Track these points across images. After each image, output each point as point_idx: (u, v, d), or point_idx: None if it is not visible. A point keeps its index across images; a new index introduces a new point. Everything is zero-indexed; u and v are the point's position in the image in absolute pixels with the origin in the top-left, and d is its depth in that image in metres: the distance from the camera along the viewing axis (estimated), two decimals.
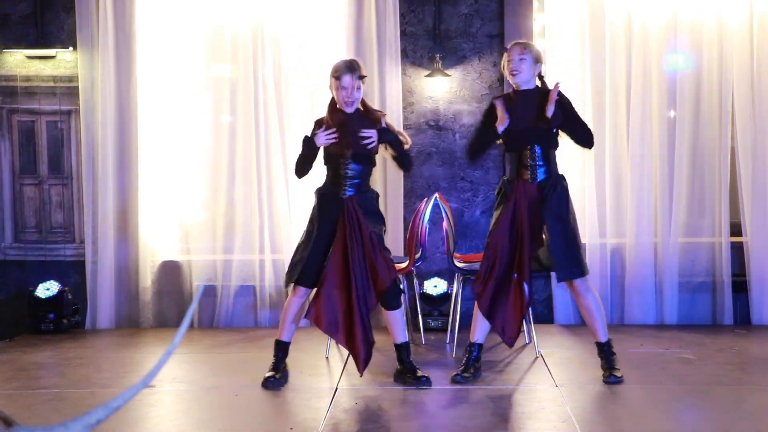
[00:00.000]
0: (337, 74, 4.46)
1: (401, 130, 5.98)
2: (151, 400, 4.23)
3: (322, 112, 4.60)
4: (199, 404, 4.23)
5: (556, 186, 4.48)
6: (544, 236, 4.51)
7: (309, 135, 4.53)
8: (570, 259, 4.44)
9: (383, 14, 6.08)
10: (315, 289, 4.47)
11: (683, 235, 6.11)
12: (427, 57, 6.21)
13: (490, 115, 4.60)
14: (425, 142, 6.30)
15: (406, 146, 4.59)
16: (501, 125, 4.46)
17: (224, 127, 6.25)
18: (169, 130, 6.28)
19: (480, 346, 4.63)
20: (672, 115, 6.13)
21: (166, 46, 6.23)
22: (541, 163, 4.49)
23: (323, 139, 4.45)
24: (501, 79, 6.23)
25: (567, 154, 5.71)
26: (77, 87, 6.23)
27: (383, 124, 4.51)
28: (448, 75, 6.17)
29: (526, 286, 4.45)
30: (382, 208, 4.76)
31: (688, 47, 6.09)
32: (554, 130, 4.51)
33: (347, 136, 4.45)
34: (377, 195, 4.62)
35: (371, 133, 4.43)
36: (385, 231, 4.57)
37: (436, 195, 5.41)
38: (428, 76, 6.18)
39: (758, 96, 6.04)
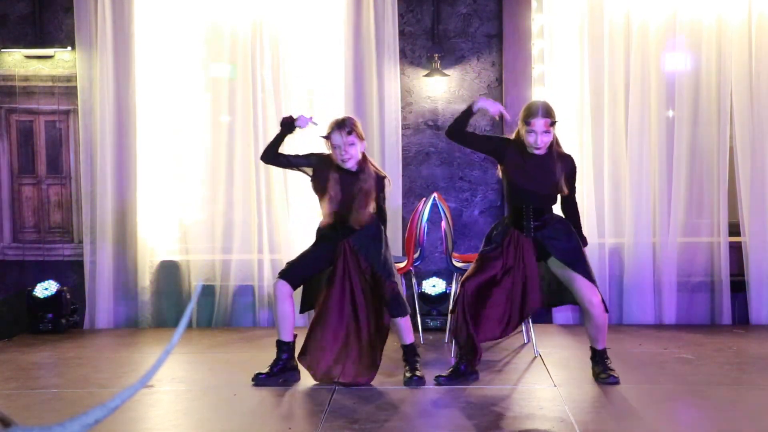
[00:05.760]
0: (327, 133, 4.47)
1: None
2: (150, 400, 4.23)
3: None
4: (198, 404, 4.23)
5: (554, 224, 4.48)
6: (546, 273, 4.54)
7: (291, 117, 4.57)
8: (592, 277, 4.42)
9: (382, 14, 6.08)
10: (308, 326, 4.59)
11: (682, 235, 6.11)
12: (426, 57, 6.21)
13: (497, 139, 4.67)
14: (424, 142, 6.29)
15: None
16: (477, 105, 4.51)
17: (223, 127, 6.25)
18: (168, 130, 6.27)
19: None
20: (671, 115, 6.13)
21: (165, 45, 6.23)
22: (538, 220, 4.46)
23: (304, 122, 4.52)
24: (499, 79, 6.23)
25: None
26: (76, 87, 6.23)
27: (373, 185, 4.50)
28: (446, 75, 6.17)
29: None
30: None
31: (687, 47, 6.09)
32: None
33: (345, 197, 4.45)
34: (377, 225, 4.57)
35: None
36: (388, 251, 4.57)
37: (435, 195, 5.41)
38: (427, 76, 6.18)
39: (757, 96, 6.04)
